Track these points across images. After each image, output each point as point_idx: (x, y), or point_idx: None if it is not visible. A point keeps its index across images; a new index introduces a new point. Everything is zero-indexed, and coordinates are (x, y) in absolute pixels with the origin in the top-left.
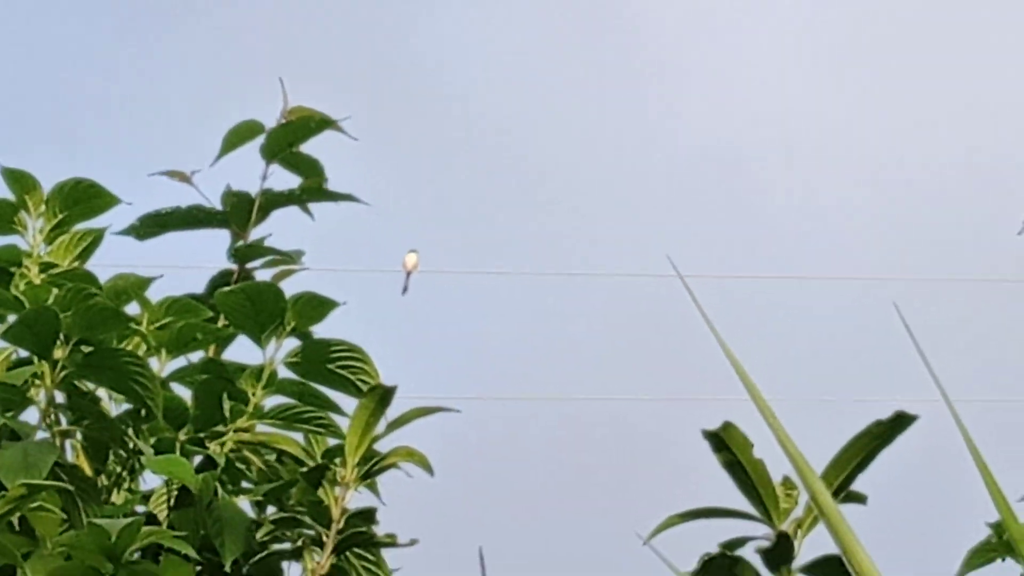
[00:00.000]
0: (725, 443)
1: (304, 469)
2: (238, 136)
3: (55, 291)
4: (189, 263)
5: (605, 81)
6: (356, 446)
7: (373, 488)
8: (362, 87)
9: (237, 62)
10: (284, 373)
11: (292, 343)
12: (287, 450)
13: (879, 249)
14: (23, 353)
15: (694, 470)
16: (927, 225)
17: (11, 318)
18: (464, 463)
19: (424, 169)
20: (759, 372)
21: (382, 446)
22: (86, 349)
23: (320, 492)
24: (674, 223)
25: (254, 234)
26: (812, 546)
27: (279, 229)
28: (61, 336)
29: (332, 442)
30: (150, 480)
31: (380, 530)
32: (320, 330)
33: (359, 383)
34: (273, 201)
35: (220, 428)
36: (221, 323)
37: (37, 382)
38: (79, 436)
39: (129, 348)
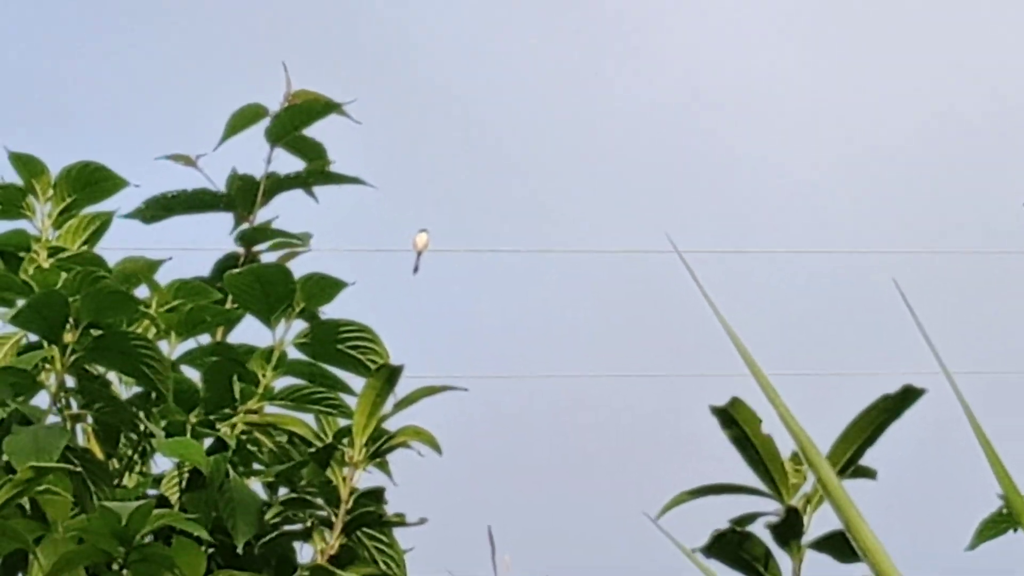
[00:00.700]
0: (733, 419)
1: (313, 449)
2: (242, 120)
3: (64, 275)
4: (189, 247)
5: (596, 56)
6: (364, 426)
7: (384, 468)
8: (357, 69)
9: (238, 46)
10: (294, 354)
11: (301, 324)
12: (296, 431)
13: (864, 221)
14: (33, 338)
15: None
16: (916, 195)
17: (20, 302)
18: (471, 442)
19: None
20: (761, 347)
21: (391, 426)
22: (96, 333)
23: (329, 472)
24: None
25: (259, 217)
26: (822, 521)
27: (287, 212)
28: (71, 320)
29: (343, 423)
30: (161, 463)
31: (391, 510)
32: (329, 311)
33: (369, 363)
34: (278, 184)
35: (230, 410)
36: (229, 305)
37: (47, 366)
38: (90, 420)
39: (138, 331)
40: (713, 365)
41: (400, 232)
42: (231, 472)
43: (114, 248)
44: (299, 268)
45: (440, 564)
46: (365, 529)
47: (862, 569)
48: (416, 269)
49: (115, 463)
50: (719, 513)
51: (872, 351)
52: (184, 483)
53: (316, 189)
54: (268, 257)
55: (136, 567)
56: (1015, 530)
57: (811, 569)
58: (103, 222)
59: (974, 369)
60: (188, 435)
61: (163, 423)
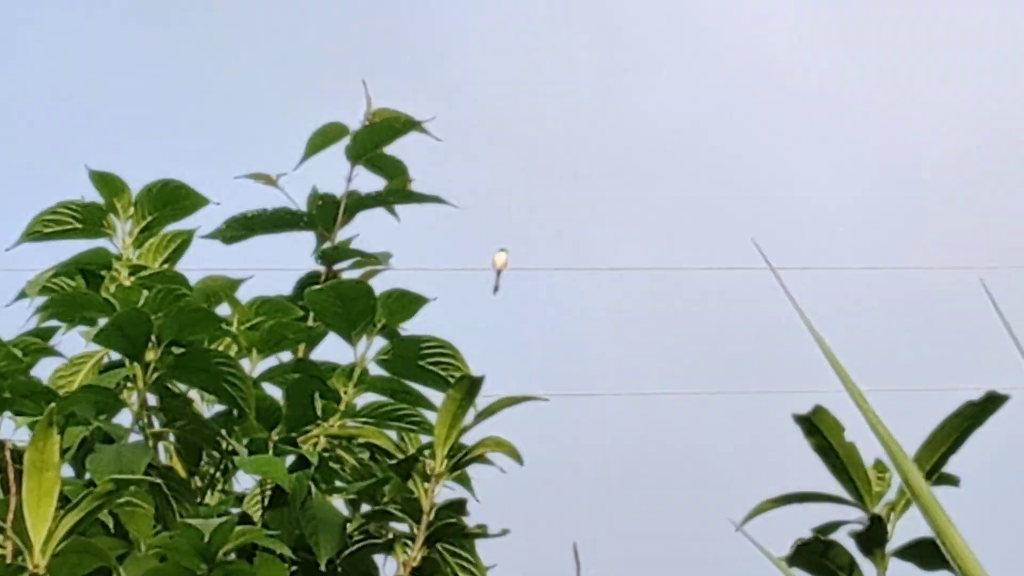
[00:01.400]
0: (816, 427)
1: (394, 462)
2: (323, 138)
3: (145, 293)
4: (270, 266)
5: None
6: (445, 437)
7: (466, 482)
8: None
9: (318, 65)
10: (375, 371)
11: (382, 341)
12: (378, 444)
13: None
14: (114, 356)
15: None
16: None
17: (102, 321)
18: (551, 459)
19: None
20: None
21: (471, 439)
22: (177, 351)
23: (410, 484)
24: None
25: (340, 236)
26: (905, 529)
27: (365, 229)
28: (153, 338)
29: (425, 439)
30: (244, 481)
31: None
32: (409, 328)
33: (450, 379)
34: (359, 203)
35: (312, 427)
36: (310, 322)
37: (129, 384)
38: (172, 438)
39: (220, 349)
40: (778, 382)
41: (480, 252)
42: (313, 489)
43: (194, 269)
44: (379, 287)
45: None
46: (447, 545)
47: None
48: (496, 288)
49: (197, 481)
50: (800, 523)
51: (944, 365)
52: (266, 500)
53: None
54: (349, 276)
55: None
56: None
57: None
58: (184, 240)
59: None
60: (270, 452)
61: (245, 441)
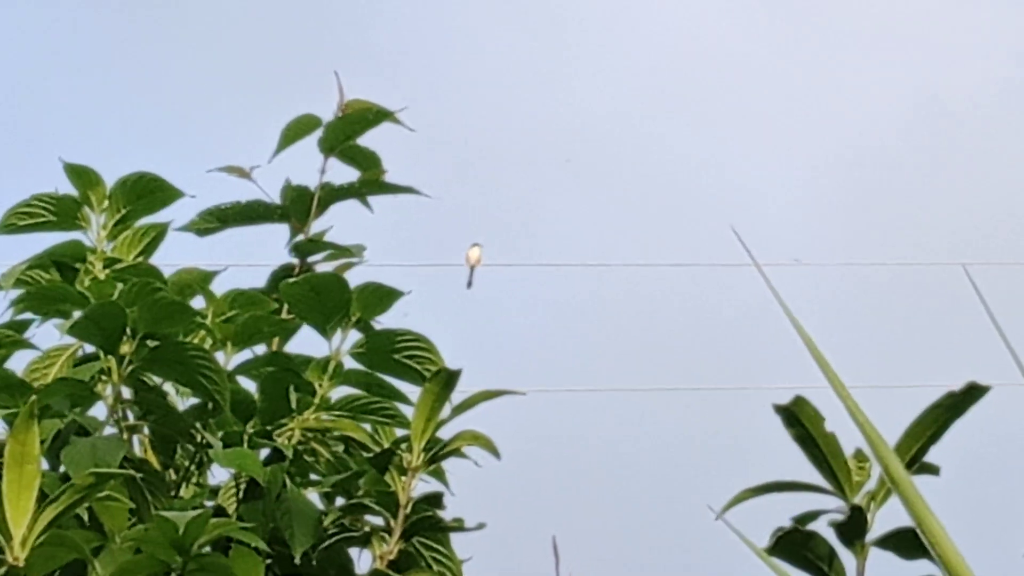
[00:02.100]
0: (797, 417)
1: (370, 455)
2: (296, 130)
3: (120, 286)
4: (243, 261)
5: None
6: (422, 430)
7: (441, 477)
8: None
9: (289, 57)
10: (350, 364)
11: (357, 335)
12: (354, 437)
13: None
14: (89, 349)
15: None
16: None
17: (76, 314)
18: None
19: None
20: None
21: (447, 433)
22: (152, 344)
23: (387, 478)
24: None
25: (314, 228)
26: (885, 519)
27: (339, 224)
28: (127, 331)
29: (400, 432)
30: (218, 474)
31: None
32: (384, 322)
33: (425, 372)
34: (332, 195)
35: (287, 420)
36: (285, 315)
37: (104, 377)
38: (147, 431)
39: (195, 342)
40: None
41: (453, 246)
42: (288, 482)
43: (168, 264)
44: (354, 281)
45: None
46: (422, 539)
47: (926, 566)
48: (470, 284)
49: (172, 474)
50: (779, 513)
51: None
52: (241, 494)
53: (371, 202)
54: (323, 268)
55: None
56: None
57: (874, 567)
58: (158, 233)
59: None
60: (245, 446)
61: (220, 434)
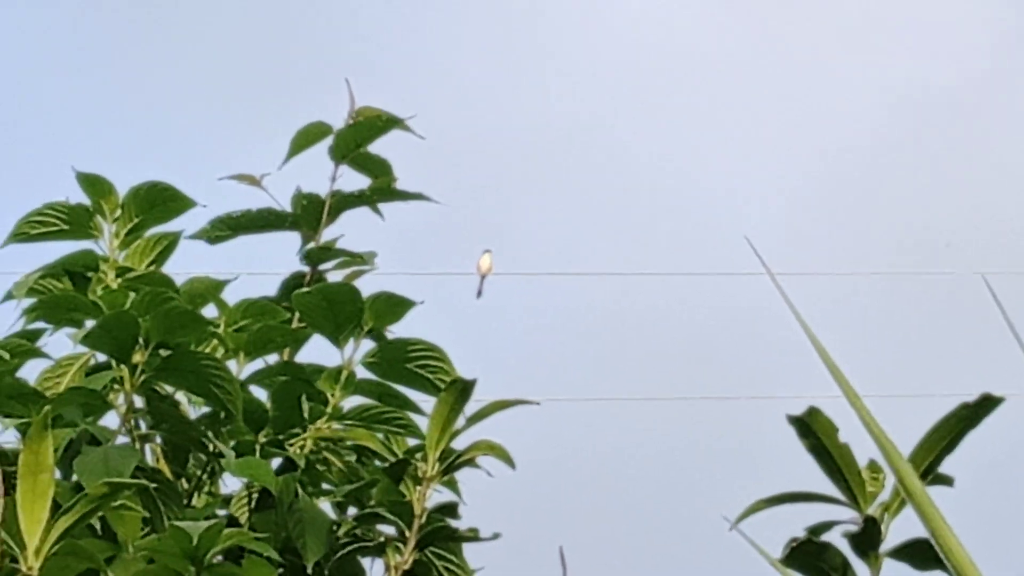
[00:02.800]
0: (811, 428)
1: (385, 465)
2: (306, 138)
3: (132, 295)
4: (255, 269)
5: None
6: (437, 440)
7: (454, 487)
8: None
9: (301, 66)
10: (362, 374)
11: (369, 344)
12: (368, 446)
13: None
14: (101, 358)
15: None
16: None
17: (88, 323)
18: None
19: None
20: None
21: (461, 443)
22: (164, 353)
23: (401, 487)
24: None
25: (325, 236)
26: (899, 530)
27: (355, 234)
28: (140, 340)
29: (411, 442)
30: (230, 483)
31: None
32: (396, 332)
33: (438, 382)
34: (343, 202)
35: (299, 430)
36: (296, 324)
37: (116, 386)
38: (159, 440)
39: (207, 351)
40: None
41: (465, 255)
42: (300, 492)
43: (179, 272)
44: (365, 289)
45: None
46: (434, 549)
47: None
48: (480, 293)
49: (184, 483)
50: (793, 523)
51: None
52: (253, 503)
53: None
54: (334, 276)
55: None
56: None
57: None
58: (170, 242)
59: None
60: (257, 455)
61: (232, 443)
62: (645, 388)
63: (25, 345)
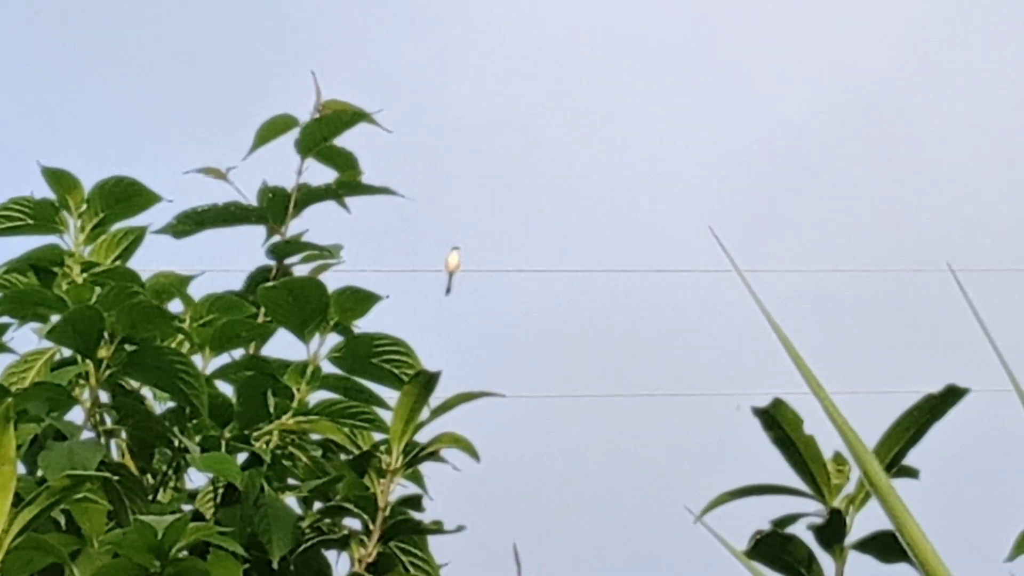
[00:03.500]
0: (776, 420)
1: (349, 458)
2: (271, 130)
3: (97, 290)
4: (217, 262)
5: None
6: (401, 432)
7: (419, 481)
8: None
9: (266, 57)
10: (328, 368)
11: (335, 338)
12: (334, 439)
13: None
14: (66, 352)
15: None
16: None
17: (54, 318)
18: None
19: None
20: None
21: (425, 436)
22: (130, 348)
23: (365, 480)
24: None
25: (291, 229)
26: (864, 523)
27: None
28: (105, 335)
29: (378, 437)
30: (196, 479)
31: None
32: (362, 327)
33: (404, 376)
34: (309, 196)
35: (265, 425)
36: (262, 319)
37: (82, 381)
38: (124, 435)
39: (172, 346)
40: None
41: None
42: (266, 487)
43: (144, 269)
44: (331, 285)
45: None
46: (399, 544)
47: (905, 570)
48: (448, 290)
49: (149, 478)
50: (758, 516)
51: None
52: (219, 498)
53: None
54: (300, 270)
55: None
56: None
57: (852, 570)
58: (136, 237)
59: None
60: (223, 450)
61: (197, 438)
62: (611, 384)
63: None
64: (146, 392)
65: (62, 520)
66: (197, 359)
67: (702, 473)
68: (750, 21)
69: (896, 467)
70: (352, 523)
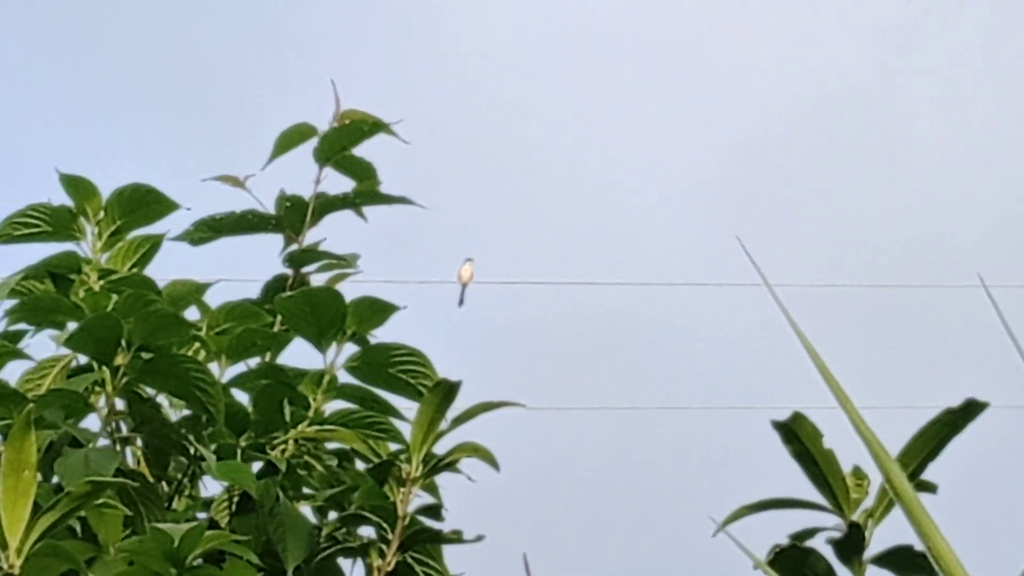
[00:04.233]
0: (795, 434)
1: (367, 468)
2: (290, 139)
3: (114, 297)
4: (234, 270)
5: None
6: (421, 442)
7: (434, 491)
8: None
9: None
10: (344, 378)
11: (352, 348)
12: (352, 447)
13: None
14: (83, 359)
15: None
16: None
17: (70, 325)
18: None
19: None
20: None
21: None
22: (146, 355)
23: (385, 489)
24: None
25: (308, 238)
26: (883, 537)
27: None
28: (122, 343)
29: (393, 447)
30: (211, 487)
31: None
32: (379, 336)
33: (420, 387)
34: (327, 205)
35: (281, 434)
36: (279, 328)
37: (98, 389)
38: (140, 443)
39: (189, 354)
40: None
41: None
42: (281, 496)
43: (161, 277)
44: (347, 295)
45: None
46: (414, 554)
47: None
48: (462, 302)
49: (165, 486)
50: (778, 531)
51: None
52: (234, 506)
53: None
54: (317, 278)
55: None
56: None
57: None
58: (153, 245)
59: None
60: (238, 458)
61: (213, 446)
62: (630, 397)
63: (7, 346)
64: (162, 400)
65: (78, 527)
66: (213, 367)
67: (716, 486)
68: (750, 21)
69: (915, 481)
70: (367, 532)
